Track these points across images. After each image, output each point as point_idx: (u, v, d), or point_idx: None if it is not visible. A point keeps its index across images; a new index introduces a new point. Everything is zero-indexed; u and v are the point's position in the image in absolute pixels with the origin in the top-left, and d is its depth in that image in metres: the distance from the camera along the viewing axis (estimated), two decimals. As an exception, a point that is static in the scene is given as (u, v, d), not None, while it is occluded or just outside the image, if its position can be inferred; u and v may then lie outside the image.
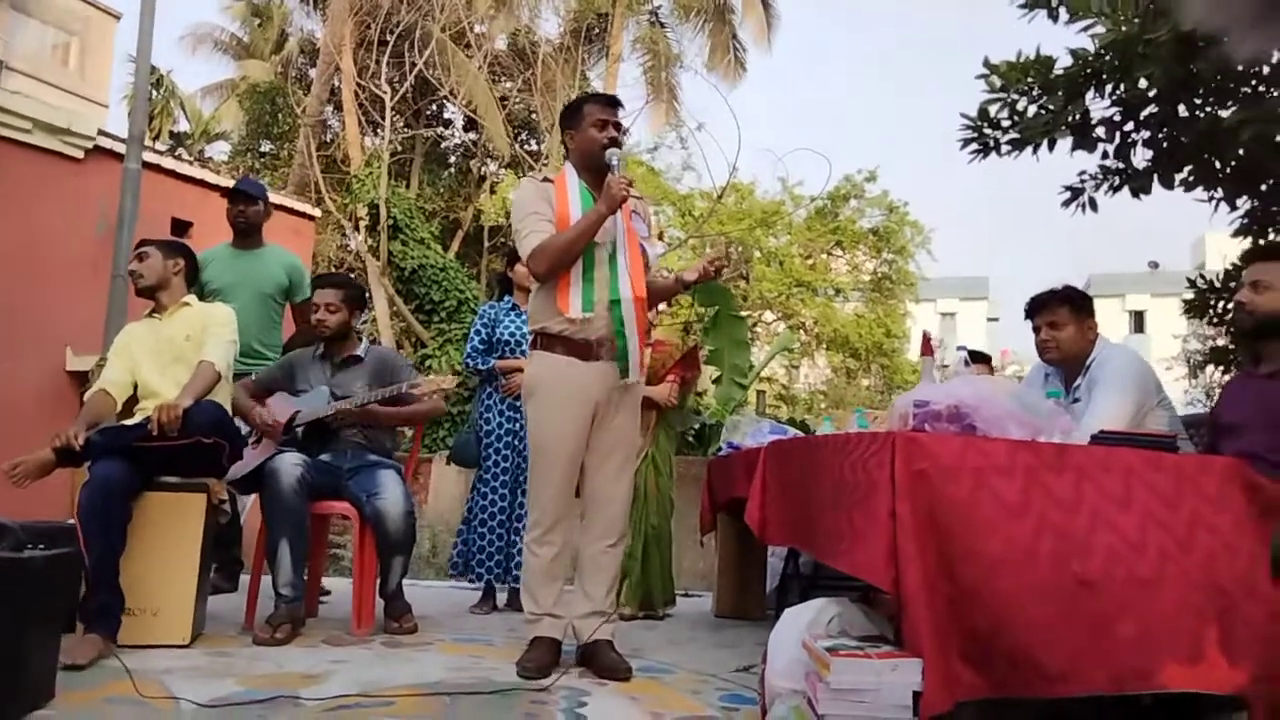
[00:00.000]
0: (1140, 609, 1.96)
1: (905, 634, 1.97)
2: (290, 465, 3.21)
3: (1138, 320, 36.24)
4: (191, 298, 3.34)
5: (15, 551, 2.10)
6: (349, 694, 2.39)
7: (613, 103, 2.94)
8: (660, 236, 19.39)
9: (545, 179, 2.94)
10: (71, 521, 2.69)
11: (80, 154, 7.30)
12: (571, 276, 2.78)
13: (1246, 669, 1.94)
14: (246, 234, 4.08)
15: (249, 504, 3.96)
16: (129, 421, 3.03)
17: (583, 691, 2.53)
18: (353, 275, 17.10)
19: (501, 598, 4.15)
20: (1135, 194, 4.80)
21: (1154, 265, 35.40)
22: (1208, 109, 4.51)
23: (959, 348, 2.69)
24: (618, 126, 2.86)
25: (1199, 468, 2.10)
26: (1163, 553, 1.99)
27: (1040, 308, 3.00)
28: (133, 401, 3.22)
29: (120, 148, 6.98)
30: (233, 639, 3.08)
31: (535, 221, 2.80)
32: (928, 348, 2.45)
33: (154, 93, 20.64)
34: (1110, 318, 36.60)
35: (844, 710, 1.91)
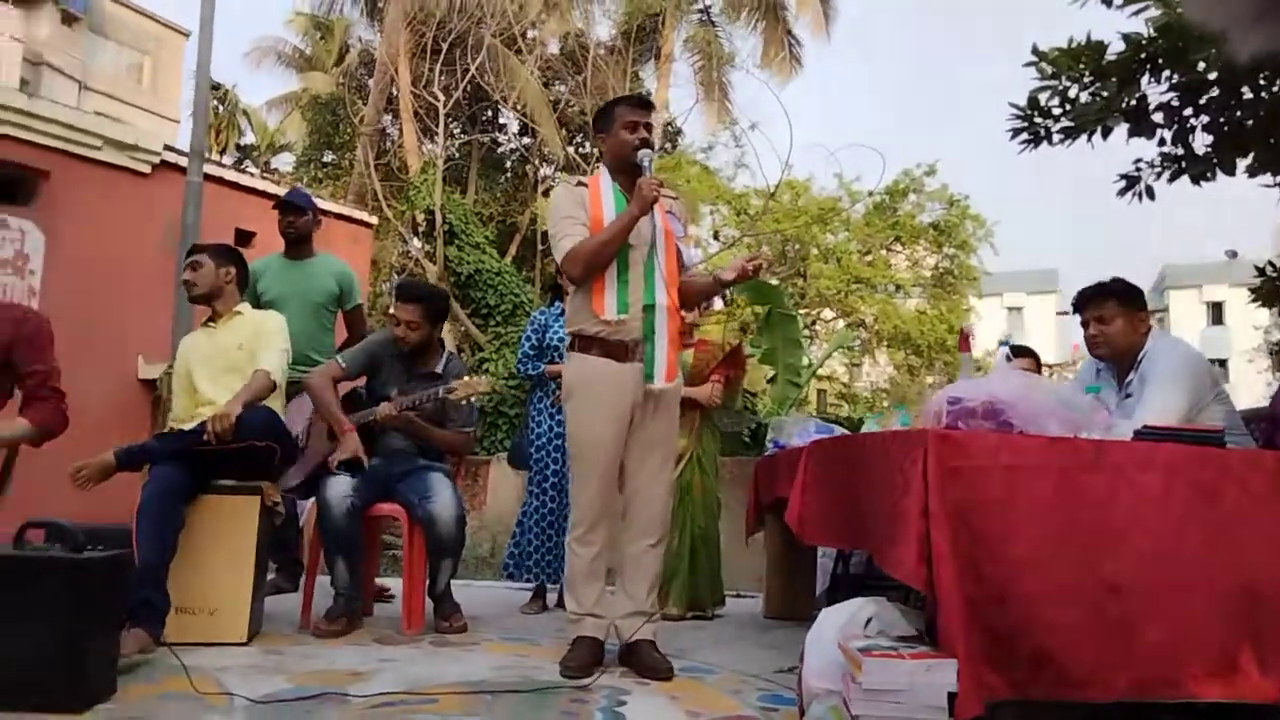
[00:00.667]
0: (1170, 615, 1.91)
1: (940, 634, 1.96)
2: (340, 497, 3.27)
3: (1216, 312, 34.96)
4: (245, 306, 3.43)
5: (75, 552, 2.20)
6: (394, 691, 2.45)
7: (642, 104, 2.95)
8: (715, 236, 19.39)
9: (580, 183, 2.96)
10: (128, 524, 2.79)
11: (148, 169, 7.60)
12: (606, 279, 2.80)
13: (1278, 680, 1.87)
14: (297, 244, 4.19)
15: (307, 507, 4.08)
16: (185, 427, 3.14)
17: (623, 690, 2.55)
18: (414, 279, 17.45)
19: (552, 598, 4.19)
20: (1195, 181, 4.65)
21: (1232, 254, 34.00)
22: (1272, 90, 4.35)
23: (1001, 343, 2.64)
24: (649, 127, 2.88)
25: (1247, 463, 2.03)
26: (1199, 556, 1.94)
27: (1087, 302, 2.93)
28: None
29: (183, 161, 7.24)
30: (288, 637, 3.18)
31: (570, 225, 2.82)
32: (965, 344, 2.41)
33: (219, 107, 21.33)
34: (1187, 310, 35.38)
35: (877, 711, 1.90)
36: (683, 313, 3.88)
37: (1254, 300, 5.25)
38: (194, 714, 2.20)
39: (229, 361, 3.26)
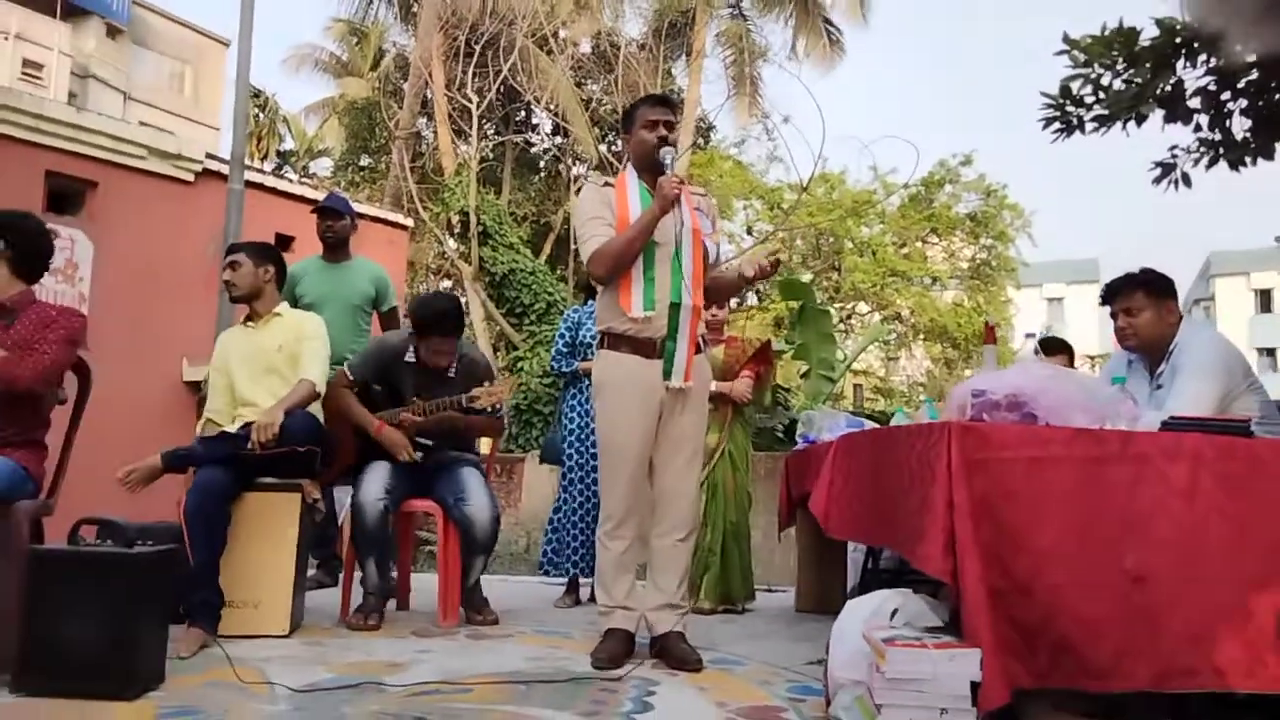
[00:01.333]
0: (1192, 606, 1.92)
1: (964, 624, 1.97)
2: (374, 500, 3.34)
3: (1264, 299, 34.14)
4: (283, 306, 3.47)
5: (127, 547, 2.29)
6: (430, 681, 2.52)
7: (662, 102, 2.99)
8: (749, 230, 19.35)
9: (606, 183, 3.00)
10: (176, 521, 2.90)
11: (191, 177, 7.80)
12: (633, 276, 2.83)
13: None
14: (335, 248, 4.28)
15: (346, 505, 4.18)
16: (229, 428, 3.23)
17: (653, 681, 2.59)
18: (450, 280, 17.65)
19: (585, 591, 4.25)
20: (1234, 166, 4.59)
21: (1281, 240, 33.18)
22: (1312, 74, 4.27)
23: (1027, 335, 2.65)
24: (670, 125, 2.91)
25: (1274, 452, 2.02)
26: (1223, 546, 1.94)
27: (1115, 294, 2.92)
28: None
29: (224, 168, 7.42)
30: (328, 630, 3.27)
31: (596, 225, 2.87)
32: (991, 336, 2.42)
33: (259, 114, 21.72)
34: (1234, 297, 34.60)
35: (900, 700, 1.92)
36: (715, 309, 3.93)
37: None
38: (239, 702, 2.28)
39: (268, 362, 3.33)
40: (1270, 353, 33.41)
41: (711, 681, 2.62)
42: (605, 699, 2.40)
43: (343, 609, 3.52)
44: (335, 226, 4.26)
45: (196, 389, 7.58)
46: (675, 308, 2.82)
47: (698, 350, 2.93)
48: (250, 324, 3.44)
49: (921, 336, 19.76)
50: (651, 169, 2.89)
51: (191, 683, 2.43)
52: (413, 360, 3.58)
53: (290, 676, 2.50)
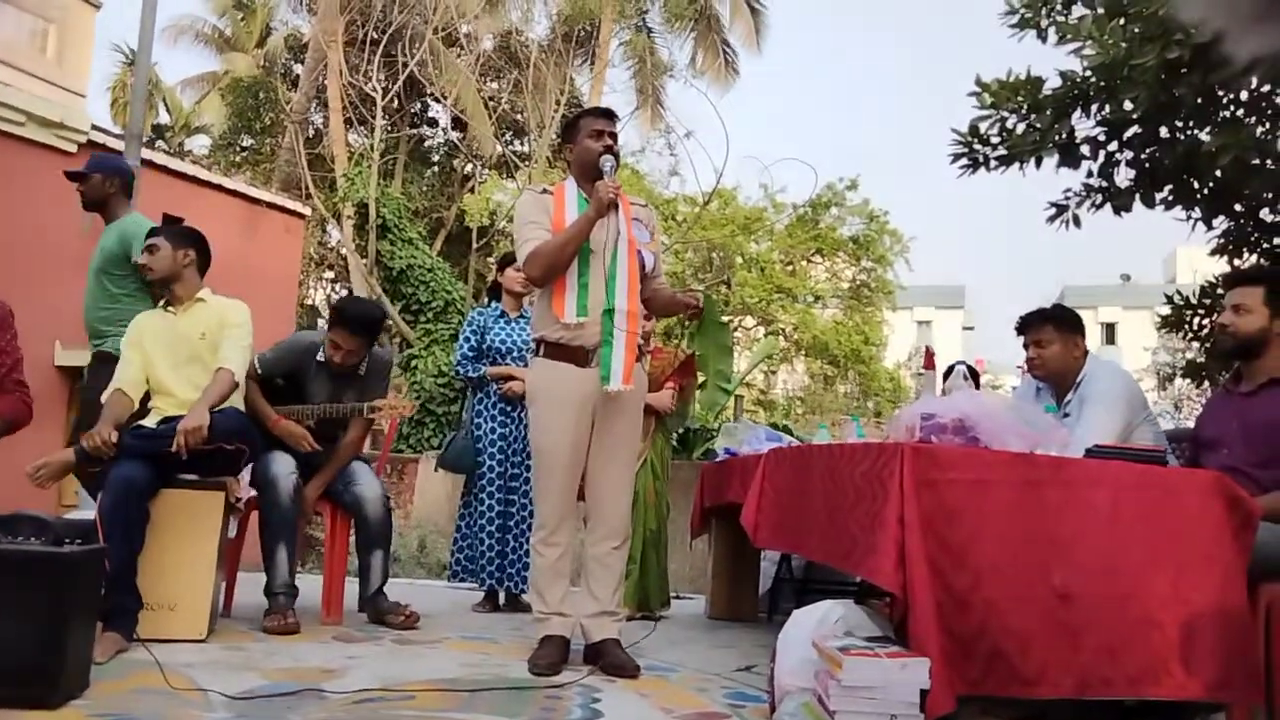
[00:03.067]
0: (1109, 621, 2.11)
1: (911, 635, 2.09)
2: (286, 474, 3.29)
3: (1109, 332, 36.88)
4: (206, 292, 3.30)
5: (55, 546, 2.15)
6: (371, 688, 2.47)
7: (607, 114, 3.07)
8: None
9: (545, 190, 3.04)
10: (91, 516, 2.72)
11: (73, 148, 7.30)
12: (567, 282, 2.87)
13: (1201, 679, 2.09)
14: (91, 209, 3.99)
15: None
16: (148, 422, 3.06)
17: (594, 688, 2.62)
18: (332, 271, 17.08)
19: (501, 598, 4.22)
20: (1117, 211, 4.97)
21: (1126, 278, 36.12)
22: (1189, 132, 4.69)
23: (959, 363, 2.81)
24: (614, 136, 2.97)
25: (1183, 482, 2.23)
26: (1138, 566, 2.14)
27: (1027, 327, 3.14)
28: (145, 395, 3.22)
29: (112, 142, 6.99)
30: (247, 635, 3.14)
31: (532, 230, 2.91)
32: (930, 362, 2.56)
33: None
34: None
35: (855, 707, 2.02)
36: (644, 321, 3.99)
37: (1162, 326, 5.63)
38: (175, 710, 2.18)
39: (191, 351, 3.17)
40: (1112, 382, 36.03)
41: (650, 688, 2.67)
42: (553, 705, 2.41)
43: (226, 602, 3.43)
44: (81, 189, 3.96)
45: (73, 375, 7.10)
46: (609, 314, 2.85)
47: (638, 357, 2.97)
48: (170, 309, 3.26)
49: (803, 352, 20.40)
50: (592, 177, 2.92)
51: (117, 690, 2.30)
52: (323, 360, 3.54)
53: (221, 683, 2.41)
